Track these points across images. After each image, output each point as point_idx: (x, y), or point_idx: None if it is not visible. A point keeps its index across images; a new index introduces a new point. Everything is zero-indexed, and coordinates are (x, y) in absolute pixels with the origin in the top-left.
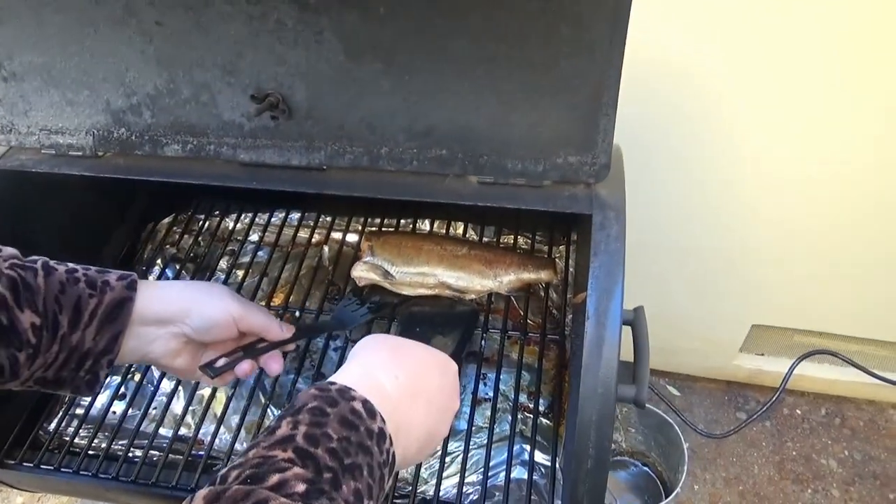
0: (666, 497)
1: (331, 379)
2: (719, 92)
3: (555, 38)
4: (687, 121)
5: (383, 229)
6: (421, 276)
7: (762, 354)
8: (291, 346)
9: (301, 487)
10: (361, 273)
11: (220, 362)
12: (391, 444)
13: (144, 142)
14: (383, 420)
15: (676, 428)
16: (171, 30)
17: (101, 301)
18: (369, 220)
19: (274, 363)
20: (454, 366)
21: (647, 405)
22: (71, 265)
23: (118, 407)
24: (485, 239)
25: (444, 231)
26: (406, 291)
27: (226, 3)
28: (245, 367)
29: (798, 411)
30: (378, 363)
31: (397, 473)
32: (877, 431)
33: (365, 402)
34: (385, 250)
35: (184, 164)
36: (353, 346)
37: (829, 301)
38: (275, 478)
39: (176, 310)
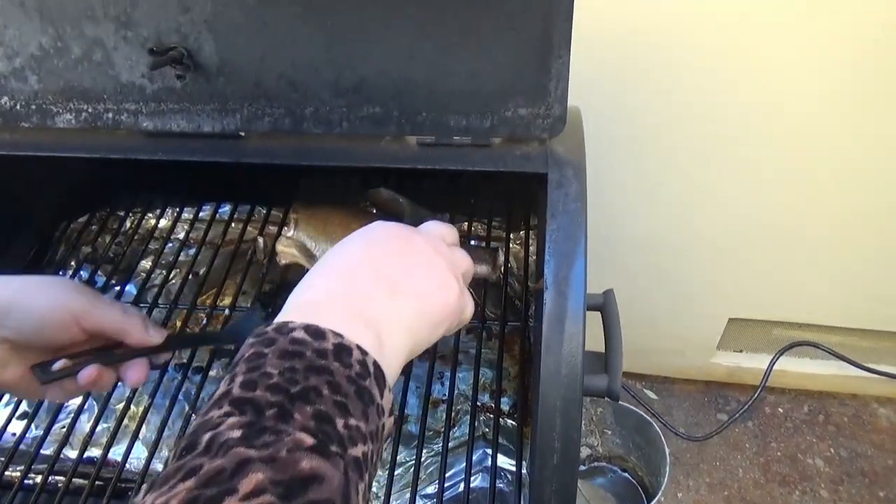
0: None
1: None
2: (692, 65)
3: None
4: (654, 101)
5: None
6: None
7: (741, 351)
8: (162, 358)
9: (236, 433)
10: (284, 248)
11: (58, 364)
12: (362, 353)
13: (32, 112)
14: (338, 335)
15: (656, 426)
16: None
17: None
18: None
19: (133, 372)
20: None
21: (624, 403)
22: None
23: (18, 426)
24: None
25: None
26: None
27: None
28: (89, 372)
29: (780, 409)
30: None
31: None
32: (862, 427)
33: (307, 328)
34: (309, 225)
35: (79, 137)
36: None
37: (809, 291)
38: (205, 437)
39: None
